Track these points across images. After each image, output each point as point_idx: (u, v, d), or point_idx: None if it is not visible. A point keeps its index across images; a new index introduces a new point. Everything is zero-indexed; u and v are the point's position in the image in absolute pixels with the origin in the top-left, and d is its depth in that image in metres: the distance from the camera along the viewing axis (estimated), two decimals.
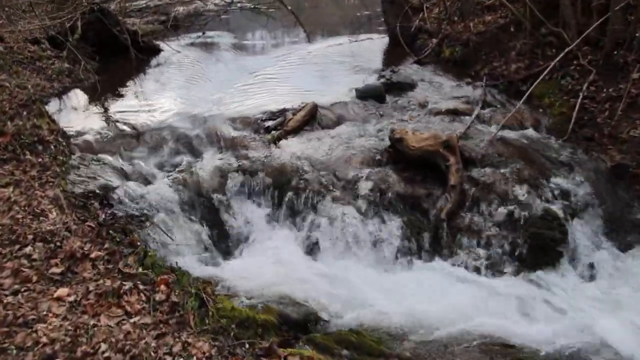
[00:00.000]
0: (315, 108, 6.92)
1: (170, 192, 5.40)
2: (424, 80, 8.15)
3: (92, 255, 4.01)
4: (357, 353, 3.99)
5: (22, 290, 3.55)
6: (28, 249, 3.97)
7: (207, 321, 3.63)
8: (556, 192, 5.60)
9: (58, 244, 4.09)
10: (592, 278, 5.12)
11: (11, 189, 4.74)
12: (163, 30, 12.29)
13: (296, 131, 6.58)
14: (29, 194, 4.74)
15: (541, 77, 6.81)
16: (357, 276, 4.97)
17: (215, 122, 6.68)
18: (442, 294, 4.81)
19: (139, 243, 4.53)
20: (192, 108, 7.28)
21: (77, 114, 7.20)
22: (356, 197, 5.54)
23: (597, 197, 5.64)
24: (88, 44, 9.70)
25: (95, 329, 3.29)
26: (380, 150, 6.13)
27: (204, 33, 12.17)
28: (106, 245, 4.21)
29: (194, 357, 3.23)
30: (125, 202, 5.15)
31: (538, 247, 5.23)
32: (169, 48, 10.60)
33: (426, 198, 5.58)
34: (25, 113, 6.14)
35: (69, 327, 3.28)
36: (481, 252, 5.28)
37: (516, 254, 5.24)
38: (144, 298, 3.65)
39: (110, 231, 4.52)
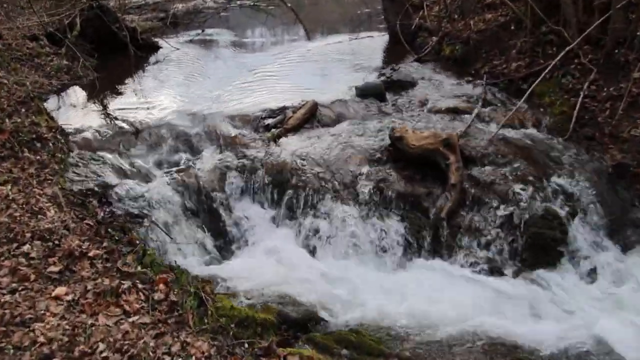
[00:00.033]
0: (315, 106, 6.89)
1: (169, 191, 5.37)
2: (424, 79, 8.12)
3: (91, 254, 3.98)
4: (357, 352, 3.96)
5: (20, 289, 3.52)
6: (26, 247, 3.94)
7: (206, 320, 3.60)
8: (557, 192, 5.57)
9: (56, 242, 4.06)
10: (592, 278, 5.10)
11: (9, 186, 4.71)
12: (162, 27, 12.29)
13: (296, 129, 6.55)
14: (27, 192, 4.71)
15: (542, 75, 6.78)
16: (356, 275, 4.95)
17: (214, 120, 6.64)
18: (442, 294, 4.78)
19: (137, 242, 4.50)
20: (191, 105, 7.25)
21: (75, 111, 7.18)
22: (356, 196, 5.52)
23: (598, 196, 5.62)
24: (87, 41, 9.68)
25: (93, 328, 3.26)
26: (380, 148, 6.10)
27: (203, 30, 12.15)
28: (105, 244, 4.18)
29: (193, 357, 3.20)
30: (124, 200, 5.13)
31: (538, 247, 5.22)
32: (168, 45, 10.58)
33: (426, 197, 5.55)
34: (23, 110, 6.11)
35: (67, 327, 3.25)
36: (481, 251, 5.26)
37: (516, 253, 5.23)
38: (142, 297, 3.62)
39: (109, 229, 4.49)
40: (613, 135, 6.21)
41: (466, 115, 6.91)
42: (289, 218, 5.49)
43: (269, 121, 6.70)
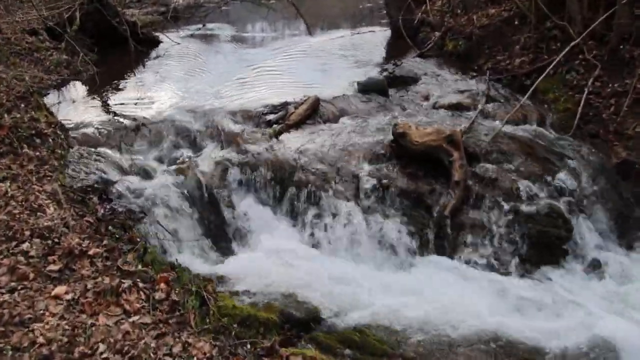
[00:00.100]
0: (317, 102, 6.83)
1: (170, 187, 5.30)
2: (427, 74, 8.06)
3: (91, 252, 3.93)
4: (360, 352, 3.93)
5: (19, 288, 3.47)
6: (25, 246, 3.88)
7: (208, 320, 3.56)
8: (561, 189, 5.54)
9: (56, 240, 4.01)
10: (597, 276, 5.06)
11: (8, 183, 4.65)
12: (162, 21, 12.22)
13: (298, 125, 6.50)
14: (27, 189, 4.65)
15: (546, 72, 6.71)
16: (359, 273, 4.89)
17: (215, 116, 6.58)
18: (445, 292, 4.73)
19: (138, 239, 4.46)
20: (192, 101, 7.20)
21: (75, 107, 7.12)
22: (359, 193, 5.46)
23: (602, 194, 5.60)
24: (87, 35, 9.62)
25: (93, 328, 3.21)
26: (382, 145, 6.04)
27: (204, 25, 12.08)
28: (105, 242, 4.12)
29: (195, 358, 3.16)
30: (125, 196, 5.07)
31: (543, 245, 5.18)
32: (169, 40, 10.51)
33: (429, 194, 5.50)
34: (22, 105, 6.04)
35: (67, 327, 3.20)
36: (485, 249, 5.22)
37: (521, 251, 5.19)
38: (143, 296, 3.57)
39: (110, 227, 4.44)
40: (618, 132, 6.18)
41: (469, 112, 6.86)
42: (291, 215, 5.44)
43: (271, 117, 6.64)
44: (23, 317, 3.23)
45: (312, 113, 6.73)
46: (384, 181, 5.51)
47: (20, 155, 5.15)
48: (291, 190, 5.51)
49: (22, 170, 4.93)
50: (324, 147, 6.03)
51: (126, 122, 6.43)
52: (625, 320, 4.50)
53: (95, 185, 5.08)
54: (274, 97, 7.24)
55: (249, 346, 3.45)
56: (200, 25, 12.03)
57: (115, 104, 7.23)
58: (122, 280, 3.66)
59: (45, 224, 4.17)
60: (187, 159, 5.82)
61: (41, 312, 3.30)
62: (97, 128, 6.21)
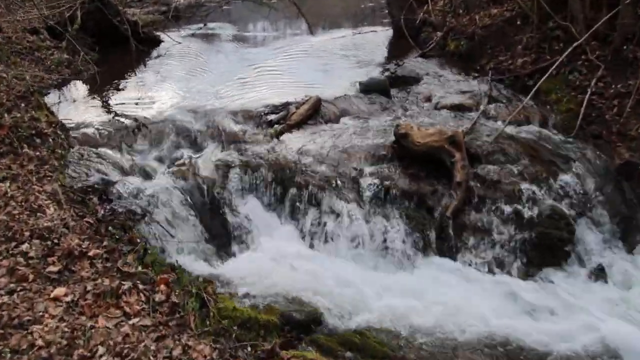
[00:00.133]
0: (318, 102, 6.80)
1: (170, 188, 5.27)
2: (429, 74, 8.03)
3: (91, 253, 3.90)
4: (361, 355, 3.91)
5: (18, 289, 3.43)
6: (25, 247, 3.85)
7: (208, 322, 3.53)
8: (563, 191, 5.51)
9: (55, 241, 3.97)
10: (600, 279, 5.03)
11: (8, 183, 4.63)
12: (164, 20, 12.19)
13: (299, 125, 6.47)
14: (26, 189, 4.63)
15: (549, 72, 6.67)
16: (360, 275, 4.87)
17: (216, 116, 6.56)
18: (447, 295, 4.71)
19: (138, 240, 4.42)
20: (193, 101, 7.17)
21: (76, 106, 7.09)
22: (360, 194, 5.44)
23: (605, 195, 5.56)
24: (88, 34, 9.60)
25: (93, 331, 3.18)
26: (384, 145, 6.01)
27: (205, 24, 12.05)
28: (105, 243, 4.09)
29: None
30: (125, 197, 5.04)
31: (545, 247, 5.16)
32: (170, 39, 10.48)
33: (431, 195, 5.47)
34: (23, 105, 6.02)
35: (66, 329, 3.17)
36: (487, 251, 5.20)
37: (523, 253, 5.17)
38: (143, 298, 3.54)
39: (110, 228, 4.40)
40: (621, 133, 6.14)
41: (471, 112, 6.83)
42: (292, 216, 5.41)
43: (272, 117, 6.62)
44: (22, 319, 3.20)
45: (314, 113, 6.70)
46: (386, 182, 5.48)
47: (20, 155, 5.13)
48: (292, 191, 5.48)
49: (22, 170, 4.91)
50: (325, 147, 6.00)
51: (127, 122, 6.41)
52: (628, 323, 4.47)
53: (96, 186, 5.06)
54: (275, 97, 7.22)
55: (249, 349, 3.42)
56: (201, 25, 12.00)
57: (116, 104, 7.21)
58: (122, 282, 3.63)
59: (45, 224, 4.14)
60: (187, 160, 5.78)
61: (40, 314, 3.27)
62: (98, 128, 6.19)
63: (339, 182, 5.53)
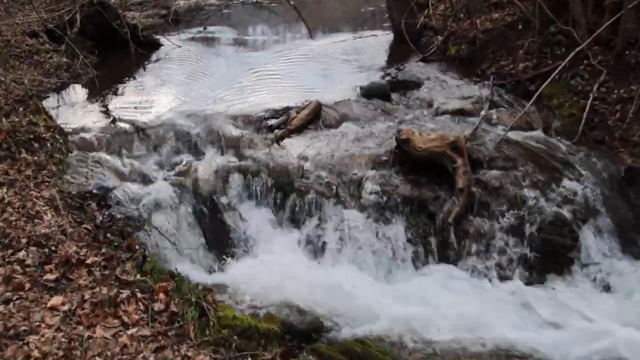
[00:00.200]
0: (319, 106, 6.75)
1: (170, 193, 5.23)
2: (430, 79, 7.97)
3: (88, 261, 3.85)
4: None
5: (14, 298, 3.39)
6: (21, 254, 3.81)
7: (207, 332, 3.48)
8: (566, 197, 5.45)
9: (53, 248, 3.94)
10: (604, 286, 4.99)
11: (5, 189, 4.59)
12: (163, 24, 12.14)
13: (299, 130, 6.42)
14: (24, 195, 4.59)
15: (551, 77, 6.63)
16: (362, 282, 4.83)
17: (216, 120, 6.50)
18: (449, 302, 4.67)
19: (137, 247, 4.39)
20: (192, 105, 7.12)
21: (75, 111, 7.04)
22: (361, 200, 5.39)
23: (608, 201, 5.51)
24: (87, 37, 9.55)
25: (90, 341, 3.13)
26: (385, 150, 5.96)
27: (205, 28, 12.00)
28: (103, 250, 4.05)
29: None
30: (124, 203, 5.00)
31: (548, 254, 5.11)
32: (169, 43, 10.43)
33: (433, 201, 5.43)
34: (21, 109, 5.99)
35: (63, 339, 3.12)
36: (490, 258, 5.15)
37: (526, 260, 5.12)
38: (142, 307, 3.49)
39: (108, 234, 4.37)
40: (623, 138, 6.09)
41: (473, 117, 6.77)
42: (293, 223, 5.36)
43: (272, 122, 6.56)
44: (18, 329, 3.15)
45: (314, 118, 6.64)
46: (387, 188, 5.44)
47: (18, 160, 5.09)
48: (293, 197, 5.43)
49: (19, 175, 4.86)
50: (326, 153, 5.95)
51: (126, 126, 6.37)
52: (633, 330, 4.41)
53: (94, 191, 5.01)
54: (275, 101, 7.16)
55: (249, 359, 3.37)
56: (201, 28, 11.96)
57: (115, 108, 7.16)
58: (121, 291, 3.59)
59: (43, 231, 4.10)
60: (187, 165, 5.74)
61: (37, 323, 3.22)
62: (97, 132, 6.15)
63: (339, 187, 5.49)
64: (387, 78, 7.94)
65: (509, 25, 8.47)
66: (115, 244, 4.23)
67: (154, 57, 9.84)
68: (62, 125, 6.11)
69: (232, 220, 5.30)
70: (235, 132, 6.33)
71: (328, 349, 3.93)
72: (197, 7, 13.79)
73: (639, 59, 6.59)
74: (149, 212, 4.97)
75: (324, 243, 5.17)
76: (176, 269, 4.27)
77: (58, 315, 3.31)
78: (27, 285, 3.52)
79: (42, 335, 3.13)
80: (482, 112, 6.79)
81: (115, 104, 7.40)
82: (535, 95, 6.55)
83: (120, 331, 3.26)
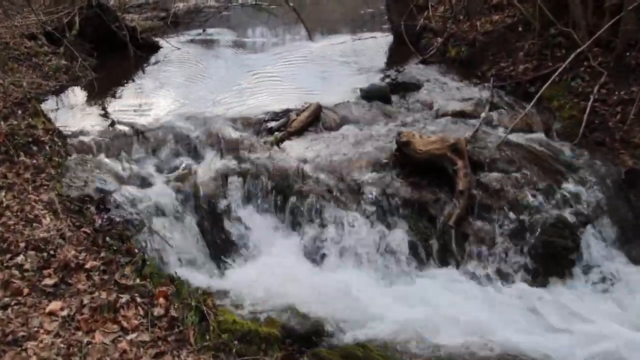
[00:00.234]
0: (319, 109, 6.73)
1: (169, 197, 5.21)
2: (430, 81, 7.95)
3: (87, 265, 3.82)
4: None
5: (13, 304, 3.36)
6: (20, 259, 3.78)
7: (207, 337, 3.45)
8: (567, 199, 5.42)
9: (51, 252, 3.91)
10: (605, 289, 4.95)
11: (3, 192, 4.56)
12: (162, 26, 12.15)
13: (299, 132, 6.40)
14: (22, 198, 4.56)
15: (551, 79, 6.61)
16: (363, 285, 4.78)
17: (216, 123, 6.48)
18: (451, 305, 4.63)
19: (136, 250, 4.35)
20: (192, 108, 7.10)
21: (73, 113, 7.03)
22: (362, 203, 5.36)
23: (610, 204, 5.48)
24: (86, 40, 9.56)
25: (90, 347, 3.11)
26: (386, 153, 5.94)
27: (204, 30, 12.01)
28: (102, 254, 4.02)
29: None
30: (123, 206, 4.96)
31: (549, 256, 5.07)
32: (169, 45, 10.43)
33: (434, 204, 5.39)
34: (20, 112, 5.97)
35: (62, 345, 3.09)
36: (491, 260, 5.11)
37: (527, 262, 5.07)
38: (141, 312, 3.46)
39: (107, 238, 4.34)
40: (624, 140, 6.07)
41: (473, 119, 6.75)
42: (293, 226, 5.32)
43: (272, 124, 6.54)
44: (16, 335, 3.12)
45: (314, 120, 6.63)
46: (388, 191, 5.41)
47: (16, 164, 5.06)
48: (293, 199, 5.40)
49: (18, 179, 4.84)
50: (326, 155, 5.92)
51: (125, 129, 6.33)
52: (635, 333, 4.39)
53: (93, 195, 4.97)
54: (274, 104, 7.14)
55: None
56: (200, 31, 11.95)
57: (114, 111, 7.14)
58: (120, 295, 3.56)
59: (41, 235, 4.07)
60: (186, 168, 5.72)
61: (35, 329, 3.19)
62: (96, 135, 6.12)
63: (340, 190, 5.46)
64: (387, 80, 7.93)
65: (509, 27, 8.46)
66: (115, 248, 4.20)
67: (153, 59, 9.83)
68: (61, 128, 6.07)
69: (232, 223, 5.27)
70: (234, 134, 6.31)
71: (329, 353, 3.90)
72: (196, 10, 13.79)
73: (639, 60, 6.57)
74: (149, 215, 4.94)
75: (325, 246, 5.14)
76: (176, 272, 4.24)
77: (57, 320, 3.28)
78: (26, 290, 3.49)
79: (41, 341, 3.10)
80: (483, 114, 6.77)
81: (114, 106, 7.38)
82: (536, 97, 6.54)
83: (119, 336, 3.23)
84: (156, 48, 10.30)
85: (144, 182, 5.51)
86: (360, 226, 5.19)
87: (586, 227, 5.27)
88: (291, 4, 11.66)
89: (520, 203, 5.30)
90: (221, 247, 5.16)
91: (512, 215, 5.24)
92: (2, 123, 5.49)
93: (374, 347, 4.05)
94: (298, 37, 11.49)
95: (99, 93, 7.77)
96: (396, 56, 9.55)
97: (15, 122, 5.60)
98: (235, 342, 3.55)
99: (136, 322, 3.36)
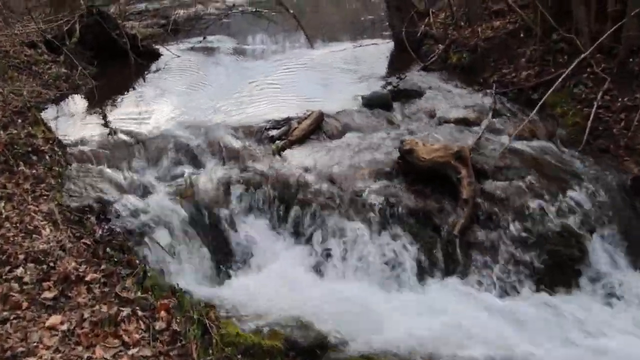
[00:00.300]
0: (321, 116, 6.68)
1: (170, 206, 5.16)
2: (432, 88, 7.90)
3: (88, 278, 3.76)
4: None
5: (12, 318, 3.29)
6: (19, 271, 3.72)
7: (210, 351, 3.39)
8: (573, 207, 5.37)
9: (51, 264, 3.85)
10: (612, 299, 4.87)
11: (3, 203, 4.51)
12: (163, 34, 12.13)
13: (301, 141, 6.34)
14: (22, 209, 4.51)
15: (555, 85, 6.57)
16: (366, 297, 4.72)
17: (216, 131, 6.43)
18: (455, 316, 4.56)
19: (138, 261, 4.30)
20: (192, 116, 7.06)
21: (74, 122, 6.99)
22: (365, 212, 5.30)
23: (616, 212, 5.42)
24: (86, 48, 9.53)
25: None
26: (388, 161, 5.89)
27: (204, 37, 11.98)
28: (103, 266, 3.96)
29: None
30: (124, 216, 4.92)
31: (555, 265, 5.01)
32: (169, 52, 10.40)
33: (438, 212, 5.34)
34: (19, 121, 5.94)
35: None
36: (496, 270, 5.03)
37: (532, 272, 5.00)
38: (143, 326, 3.40)
39: (108, 249, 4.28)
40: (629, 147, 6.02)
41: (476, 127, 6.71)
42: (296, 235, 5.26)
43: (273, 132, 6.49)
44: (15, 351, 3.05)
45: (316, 128, 6.57)
46: (391, 199, 5.36)
47: (16, 174, 5.01)
48: (295, 209, 5.34)
49: (17, 189, 4.79)
50: (328, 164, 5.87)
51: (125, 138, 6.30)
52: None
53: (93, 205, 4.93)
54: (276, 112, 7.09)
55: None
56: (200, 38, 11.93)
57: (115, 119, 7.10)
58: (121, 309, 3.49)
59: (41, 247, 4.01)
60: (187, 177, 5.66)
61: (35, 344, 3.12)
62: (96, 144, 6.08)
63: (343, 199, 5.40)
64: (389, 87, 7.87)
65: (511, 33, 8.43)
66: (115, 259, 4.14)
67: (153, 67, 9.80)
68: (61, 137, 6.04)
69: (234, 233, 5.21)
70: (236, 143, 6.27)
71: None
72: (196, 17, 13.77)
73: None
74: (150, 226, 4.88)
75: (328, 256, 5.07)
76: (177, 284, 4.18)
77: (57, 335, 3.21)
78: (25, 304, 3.43)
79: (40, 357, 3.03)
80: (485, 121, 6.73)
81: (114, 115, 7.34)
82: (539, 103, 6.50)
83: (120, 351, 3.16)
84: (156, 56, 10.28)
85: (145, 192, 5.45)
86: (364, 236, 5.13)
87: (592, 235, 5.22)
88: (291, 11, 11.64)
89: (524, 211, 5.25)
90: (223, 257, 5.09)
91: (516, 224, 5.19)
92: (1, 132, 5.46)
93: (378, 359, 3.99)
94: (298, 44, 11.46)
95: (99, 101, 7.74)
96: (397, 63, 9.52)
97: (14, 131, 5.56)
98: (239, 357, 3.49)
99: (137, 336, 3.29)
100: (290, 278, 4.77)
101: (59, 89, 8.09)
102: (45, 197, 4.79)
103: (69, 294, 3.60)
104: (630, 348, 4.21)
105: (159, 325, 3.44)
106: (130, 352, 3.16)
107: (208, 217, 5.26)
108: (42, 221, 4.40)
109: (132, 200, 5.12)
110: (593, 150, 6.18)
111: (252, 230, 5.25)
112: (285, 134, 6.42)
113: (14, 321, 3.28)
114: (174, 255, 4.78)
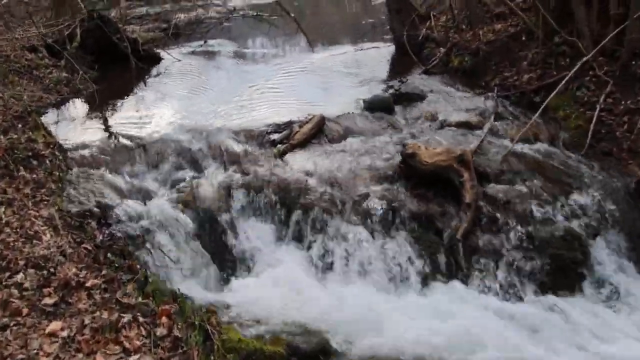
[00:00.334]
0: (322, 120, 6.65)
1: (171, 211, 5.12)
2: (433, 91, 7.88)
3: (88, 284, 3.73)
4: None
5: (12, 324, 3.26)
6: (19, 277, 3.69)
7: (212, 357, 3.35)
8: (576, 211, 5.34)
9: (52, 270, 3.81)
10: (615, 303, 4.84)
11: (3, 208, 4.48)
12: (164, 38, 12.14)
13: (303, 145, 6.32)
14: (22, 214, 4.48)
15: (557, 88, 6.55)
16: (369, 301, 4.67)
17: (218, 136, 6.42)
18: (458, 320, 4.51)
19: (139, 266, 4.26)
20: (193, 120, 7.04)
21: (74, 126, 6.97)
22: (367, 216, 5.27)
23: (619, 215, 5.38)
24: (87, 52, 9.52)
25: None
26: (391, 165, 5.86)
27: (205, 41, 11.98)
28: (103, 272, 3.92)
29: None
30: (125, 221, 4.89)
31: (558, 269, 4.98)
32: (170, 56, 10.40)
33: (440, 216, 5.31)
34: (20, 125, 5.92)
35: None
36: (498, 274, 5.01)
37: (535, 276, 4.97)
38: (144, 332, 3.36)
39: (108, 254, 4.25)
40: (632, 150, 5.99)
41: (478, 130, 6.68)
42: (298, 240, 5.23)
43: (275, 136, 6.47)
44: (15, 358, 3.02)
45: (318, 132, 6.55)
46: (394, 203, 5.33)
47: (16, 178, 4.98)
48: (297, 213, 5.31)
49: (17, 194, 4.76)
50: (330, 168, 5.85)
51: (126, 142, 6.28)
52: None
53: (94, 210, 4.90)
54: (277, 115, 7.08)
55: None
56: (201, 42, 11.93)
57: (115, 124, 7.08)
58: (122, 315, 3.46)
59: (41, 252, 3.98)
60: (188, 181, 5.63)
61: (35, 351, 3.09)
62: (97, 149, 6.06)
63: (345, 203, 5.38)
64: (390, 91, 7.86)
65: (512, 36, 8.41)
66: (116, 264, 4.11)
67: (154, 71, 9.80)
68: (61, 142, 6.01)
69: (235, 237, 5.18)
70: (237, 147, 6.25)
71: None
72: (197, 21, 13.78)
73: None
74: (151, 230, 4.86)
75: (330, 260, 5.04)
76: (179, 289, 4.14)
77: (57, 342, 3.18)
78: (25, 311, 3.39)
79: None
80: (487, 125, 6.70)
81: (115, 119, 7.32)
82: (542, 106, 6.48)
83: (121, 358, 3.13)
84: (157, 60, 10.27)
85: (146, 196, 5.43)
86: (366, 240, 5.10)
87: (595, 239, 5.19)
88: (292, 15, 11.65)
89: (527, 215, 5.22)
90: (224, 261, 5.06)
91: (519, 227, 5.16)
92: (1, 137, 5.44)
93: None
94: (299, 48, 11.46)
95: (100, 105, 7.72)
96: (399, 66, 9.50)
97: (15, 136, 5.54)
98: None
99: (139, 342, 3.26)
100: (292, 282, 4.73)
101: (60, 93, 8.07)
102: (45, 202, 4.76)
103: (70, 300, 3.57)
104: (634, 352, 4.16)
105: (160, 331, 3.41)
106: (131, 359, 3.13)
107: (209, 221, 5.23)
108: (42, 226, 4.37)
109: (132, 205, 5.09)
110: (596, 154, 6.15)
111: (254, 234, 5.22)
112: (286, 138, 6.40)
113: (14, 328, 3.25)
114: (175, 260, 4.74)
